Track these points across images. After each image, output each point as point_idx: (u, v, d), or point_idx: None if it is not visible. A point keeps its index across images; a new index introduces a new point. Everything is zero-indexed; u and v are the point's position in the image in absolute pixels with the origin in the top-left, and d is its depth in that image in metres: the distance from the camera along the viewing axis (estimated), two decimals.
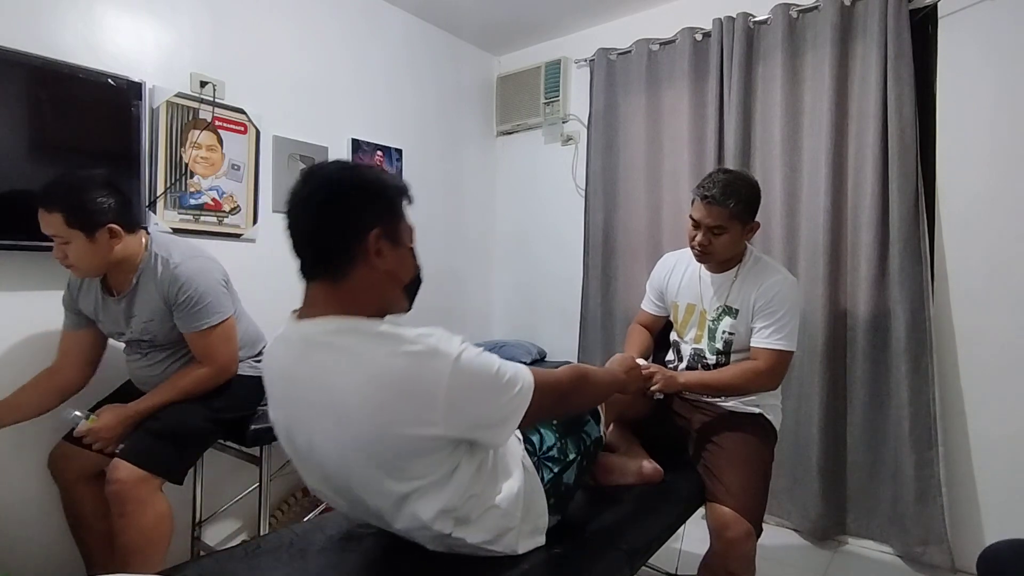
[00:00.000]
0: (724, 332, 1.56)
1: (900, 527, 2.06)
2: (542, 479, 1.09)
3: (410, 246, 0.97)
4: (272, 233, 2.26)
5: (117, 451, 1.47)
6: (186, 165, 1.98)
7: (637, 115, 2.74)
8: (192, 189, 2.00)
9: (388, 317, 0.95)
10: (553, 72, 3.03)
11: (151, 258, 1.51)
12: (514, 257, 3.20)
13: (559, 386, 1.01)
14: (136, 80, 1.80)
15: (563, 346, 2.96)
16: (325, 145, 2.46)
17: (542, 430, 1.17)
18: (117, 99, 1.76)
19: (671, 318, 1.74)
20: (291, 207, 0.90)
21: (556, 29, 3.02)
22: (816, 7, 2.26)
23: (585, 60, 2.91)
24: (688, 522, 1.46)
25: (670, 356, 1.78)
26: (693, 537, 1.71)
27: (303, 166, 2.36)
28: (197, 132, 2.01)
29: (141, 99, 1.82)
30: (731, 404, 1.58)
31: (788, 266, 2.28)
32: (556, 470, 1.12)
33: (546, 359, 2.96)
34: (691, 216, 1.52)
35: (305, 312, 0.92)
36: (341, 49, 2.52)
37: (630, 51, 2.75)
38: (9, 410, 1.51)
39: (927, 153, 2.08)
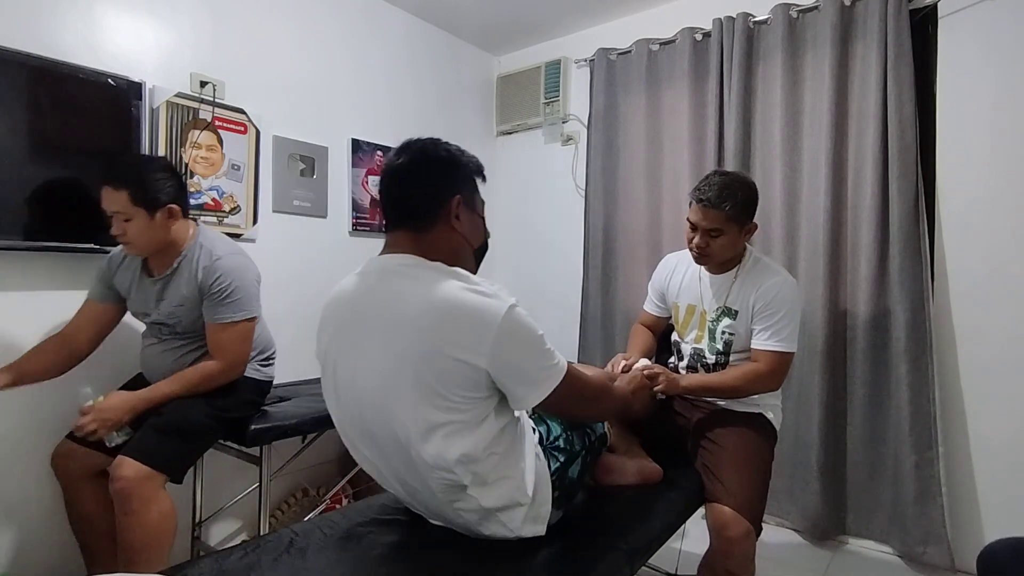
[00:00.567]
0: (724, 332, 1.56)
1: (900, 527, 2.06)
2: (549, 468, 1.11)
3: (482, 215, 1.12)
4: (272, 233, 2.27)
5: (109, 443, 1.47)
6: (186, 165, 1.98)
7: (637, 115, 2.74)
8: (192, 189, 2.00)
9: None
10: (553, 72, 3.03)
11: (196, 247, 1.58)
12: (514, 257, 3.20)
13: (587, 387, 1.08)
14: (136, 80, 1.80)
15: (563, 346, 2.92)
16: (325, 145, 2.46)
17: (549, 422, 1.19)
18: (117, 99, 1.76)
19: (672, 319, 1.74)
20: (388, 171, 1.05)
21: (556, 29, 3.02)
22: (816, 7, 2.26)
23: (585, 60, 2.91)
24: (688, 522, 1.46)
25: (671, 357, 1.78)
26: (693, 537, 1.71)
27: (303, 166, 2.38)
28: (197, 132, 2.01)
29: (141, 99, 1.82)
30: (731, 403, 1.58)
31: (788, 266, 2.28)
32: (563, 460, 1.15)
33: None
34: (688, 219, 1.52)
35: (386, 251, 1.05)
36: (341, 49, 2.52)
37: (630, 51, 2.75)
38: (19, 373, 1.51)
39: (927, 153, 2.08)
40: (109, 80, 1.74)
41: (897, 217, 2.05)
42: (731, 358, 1.57)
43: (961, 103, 2.03)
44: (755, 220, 1.54)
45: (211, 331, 1.58)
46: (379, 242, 2.90)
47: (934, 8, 2.06)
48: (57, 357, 1.57)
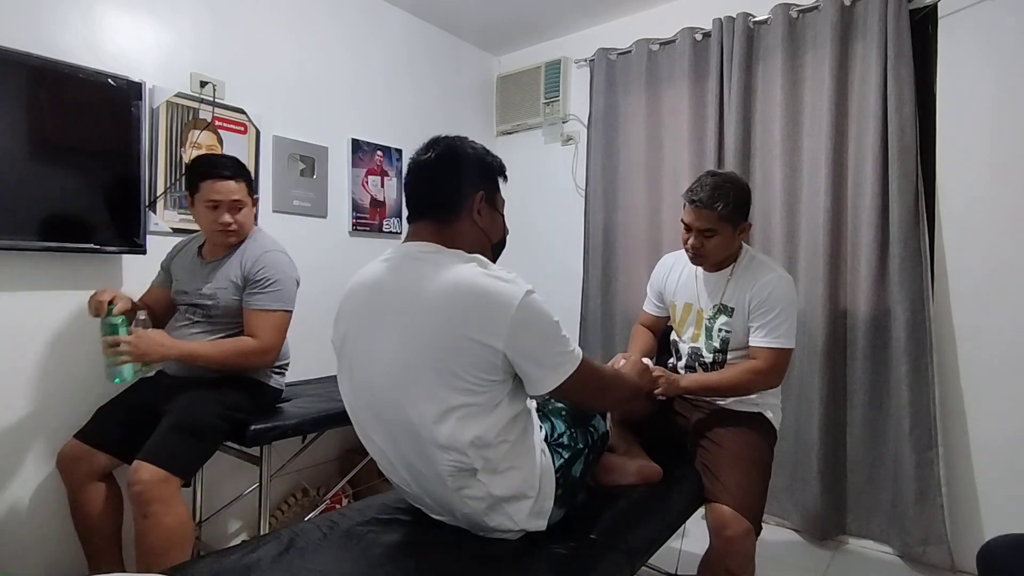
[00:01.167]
0: (720, 330, 1.57)
1: (900, 527, 2.06)
2: (553, 464, 1.12)
3: (502, 213, 1.18)
4: (272, 233, 2.25)
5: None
6: (186, 165, 1.98)
7: (637, 115, 2.74)
8: None
9: None
10: (553, 72, 3.03)
11: (250, 240, 1.73)
12: (514, 257, 3.16)
13: (603, 376, 1.13)
14: (136, 80, 1.80)
15: None
16: (325, 145, 2.46)
17: (553, 419, 1.20)
18: (117, 99, 1.76)
19: (670, 317, 1.74)
20: (415, 164, 1.10)
21: (556, 29, 3.02)
22: (816, 7, 2.26)
23: (585, 60, 2.91)
24: (688, 522, 1.46)
25: (670, 358, 1.78)
26: (693, 537, 1.71)
27: (303, 166, 2.38)
28: (197, 132, 2.01)
29: (141, 99, 1.81)
30: (731, 403, 1.58)
31: (788, 266, 2.28)
32: (566, 457, 1.16)
33: None
34: (682, 220, 1.54)
35: (409, 239, 1.09)
36: (341, 49, 2.52)
37: (630, 51, 2.75)
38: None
39: (927, 153, 2.08)
40: (109, 80, 1.74)
41: (897, 217, 2.05)
42: (728, 356, 1.57)
43: (961, 103, 2.03)
44: (751, 220, 1.54)
45: (249, 316, 1.65)
46: (379, 242, 2.93)
47: (934, 8, 2.06)
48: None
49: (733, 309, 1.55)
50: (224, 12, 2.11)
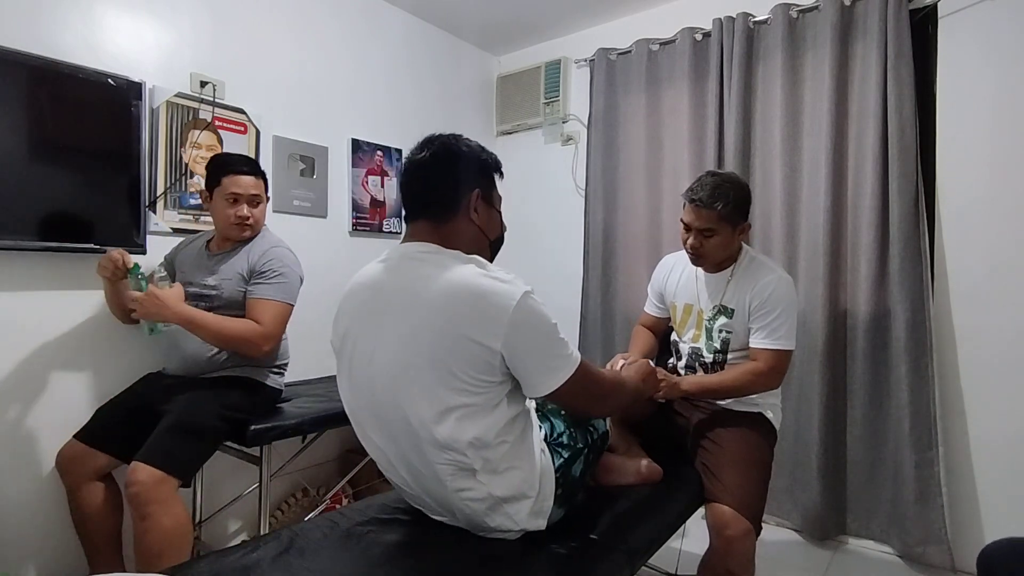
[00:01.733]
0: (721, 331, 1.57)
1: (900, 527, 2.06)
2: (553, 464, 1.12)
3: (499, 210, 1.17)
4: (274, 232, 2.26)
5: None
6: (186, 165, 1.98)
7: (637, 115, 2.74)
8: (192, 189, 2.00)
9: None
10: (553, 72, 3.03)
11: (261, 238, 1.78)
12: (514, 257, 3.17)
13: (602, 382, 1.11)
14: (136, 80, 1.80)
15: None
16: (325, 145, 2.46)
17: (552, 419, 1.20)
18: (117, 99, 1.76)
19: (671, 318, 1.74)
20: (411, 164, 1.10)
21: (556, 29, 3.02)
22: (816, 7, 2.26)
23: (585, 60, 2.91)
24: (688, 522, 1.46)
25: (670, 358, 1.78)
26: (693, 537, 1.71)
27: (303, 166, 2.38)
28: (197, 132, 2.01)
29: (141, 99, 1.81)
30: (731, 403, 1.58)
31: (788, 266, 2.28)
32: (566, 456, 1.15)
33: None
34: (682, 220, 1.54)
35: (407, 240, 1.09)
36: (341, 49, 2.52)
37: (630, 51, 2.75)
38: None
39: (927, 153, 2.08)
40: (109, 80, 1.74)
41: (897, 217, 2.05)
42: (729, 356, 1.57)
43: (961, 103, 2.03)
44: (751, 220, 1.55)
45: (252, 304, 1.67)
46: (379, 242, 2.93)
47: (934, 8, 2.06)
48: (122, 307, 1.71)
49: (733, 310, 1.55)
50: (224, 12, 2.11)
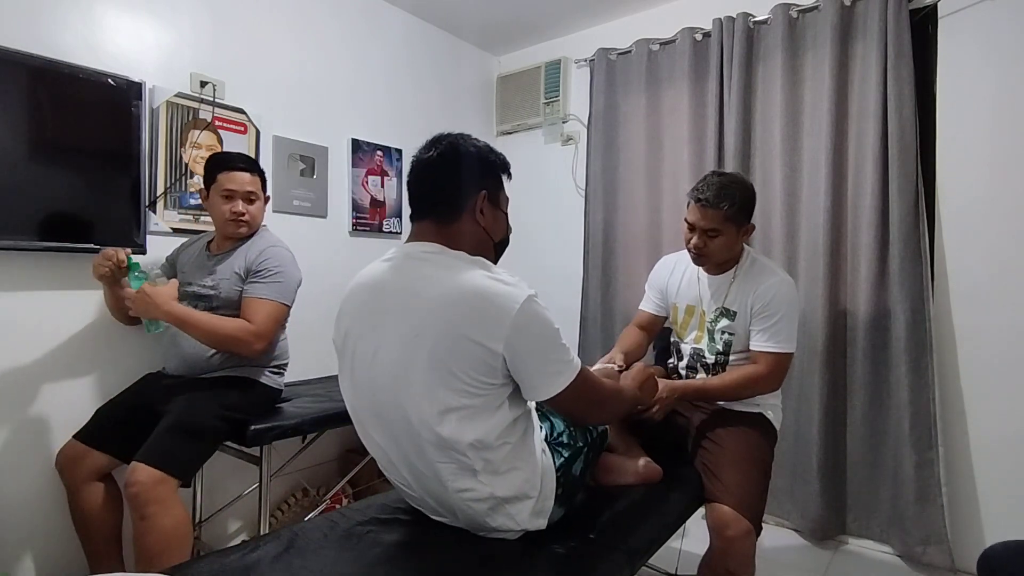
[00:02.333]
0: (723, 333, 1.57)
1: (900, 527, 2.06)
2: (554, 463, 1.12)
3: (505, 211, 1.16)
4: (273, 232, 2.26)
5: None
6: (186, 165, 1.98)
7: (637, 115, 2.74)
8: (192, 189, 2.00)
9: None
10: (553, 72, 3.03)
11: (259, 238, 1.78)
12: (514, 257, 3.16)
13: (601, 390, 1.11)
14: (136, 80, 1.80)
15: None
16: (325, 145, 2.46)
17: (552, 418, 1.20)
18: (117, 99, 1.76)
19: (671, 319, 1.74)
20: (418, 163, 1.09)
21: (556, 29, 3.02)
22: (816, 7, 2.26)
23: (585, 60, 2.91)
24: (688, 522, 1.46)
25: (670, 358, 1.78)
26: (693, 537, 1.71)
27: (303, 166, 2.38)
28: (197, 132, 2.01)
29: (141, 99, 1.81)
30: (731, 403, 1.58)
31: (788, 266, 2.28)
32: (566, 456, 1.15)
33: None
34: (686, 219, 1.53)
35: (411, 240, 1.09)
36: (341, 49, 2.52)
37: (630, 51, 2.75)
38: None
39: (927, 153, 2.08)
40: (109, 80, 1.74)
41: (897, 217, 2.05)
42: (731, 358, 1.57)
43: (961, 103, 2.03)
44: (753, 221, 1.54)
45: (246, 304, 1.66)
46: (379, 242, 2.93)
47: (934, 8, 2.06)
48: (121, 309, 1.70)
49: (736, 312, 1.54)
50: (224, 12, 2.11)
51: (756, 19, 2.39)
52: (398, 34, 2.78)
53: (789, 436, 2.26)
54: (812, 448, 2.19)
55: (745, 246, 1.60)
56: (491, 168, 1.12)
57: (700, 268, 1.63)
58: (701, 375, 1.62)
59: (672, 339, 1.76)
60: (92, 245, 1.71)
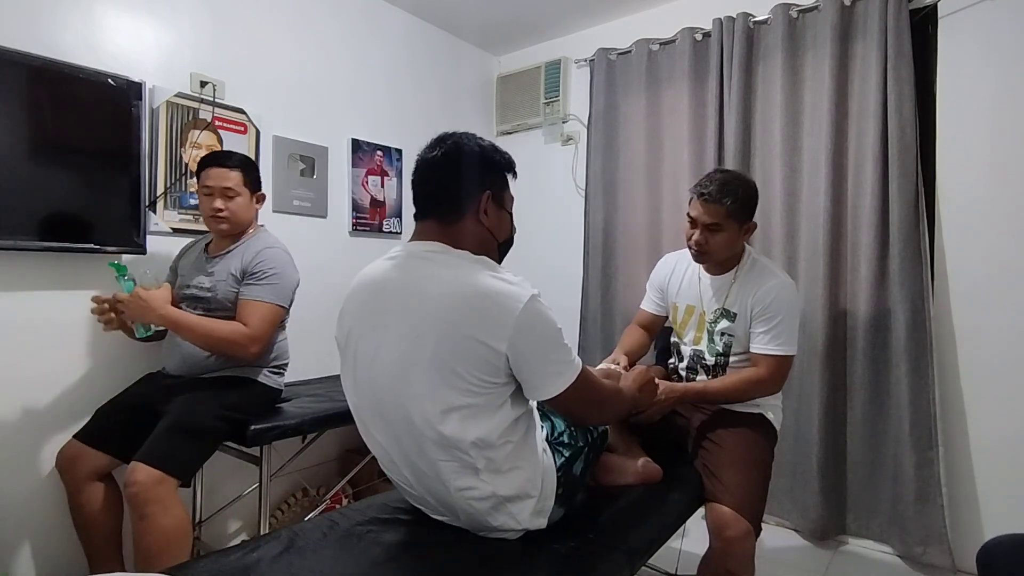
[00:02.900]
0: (723, 334, 1.57)
1: (900, 527, 2.06)
2: (555, 462, 1.12)
3: (510, 211, 1.15)
4: (272, 232, 2.26)
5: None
6: (186, 165, 1.98)
7: (637, 115, 2.74)
8: (192, 189, 2.00)
9: None
10: (553, 72, 3.03)
11: (254, 238, 1.77)
12: (514, 257, 3.16)
13: (601, 390, 1.11)
14: (136, 80, 1.80)
15: None
16: (325, 145, 2.46)
17: (553, 418, 1.20)
18: (117, 99, 1.76)
19: (670, 319, 1.74)
20: (422, 162, 1.08)
21: (556, 29, 3.02)
22: (816, 7, 2.26)
23: (585, 60, 2.91)
24: (688, 522, 1.46)
25: (671, 359, 1.78)
26: (693, 537, 1.71)
27: (303, 166, 2.38)
28: (197, 132, 2.01)
29: (141, 99, 1.81)
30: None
31: (788, 266, 2.28)
32: (567, 455, 1.16)
33: None
34: (688, 215, 1.53)
35: (415, 239, 1.08)
36: (341, 49, 2.52)
37: (630, 51, 2.75)
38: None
39: (927, 153, 2.08)
40: (109, 80, 1.74)
41: (897, 217, 2.05)
42: (731, 359, 1.57)
43: (961, 103, 2.03)
44: (755, 220, 1.54)
45: (241, 306, 1.66)
46: (379, 242, 2.93)
47: (934, 8, 2.06)
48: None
49: (736, 314, 1.54)
50: (224, 12, 2.11)
51: (756, 19, 2.39)
52: (398, 34, 2.78)
53: (789, 436, 2.26)
54: (812, 448, 2.19)
55: (746, 246, 1.60)
56: (496, 168, 1.11)
57: (701, 268, 1.63)
58: (701, 376, 1.62)
59: (672, 339, 1.76)
60: (92, 245, 1.72)
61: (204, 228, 2.04)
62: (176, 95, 1.95)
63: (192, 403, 1.55)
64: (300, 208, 2.39)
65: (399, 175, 2.80)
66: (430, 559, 1.03)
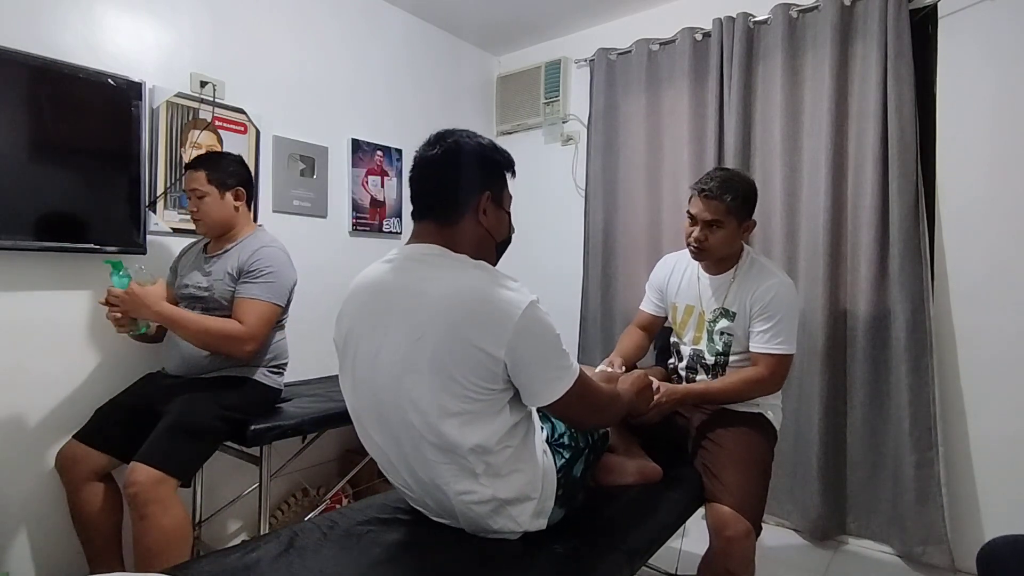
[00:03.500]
0: (722, 334, 1.57)
1: (900, 527, 2.06)
2: (555, 464, 1.12)
3: (508, 211, 1.14)
4: (272, 233, 2.26)
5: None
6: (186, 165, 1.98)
7: (637, 115, 2.74)
8: None
9: None
10: (553, 72, 3.03)
11: (252, 238, 1.75)
12: (514, 257, 3.16)
13: (599, 395, 1.10)
14: (136, 80, 1.80)
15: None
16: (325, 145, 2.46)
17: (553, 420, 1.20)
18: (117, 99, 1.76)
19: (669, 319, 1.74)
20: (420, 161, 1.07)
21: (556, 29, 3.02)
22: (816, 7, 2.26)
23: (585, 60, 2.91)
24: (688, 522, 1.46)
25: (671, 359, 1.78)
26: (693, 537, 1.71)
27: (303, 166, 2.38)
28: (197, 132, 2.01)
29: (141, 99, 1.81)
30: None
31: (788, 266, 2.28)
32: (567, 456, 1.15)
33: None
34: (688, 211, 1.53)
35: (412, 241, 1.08)
36: (341, 49, 2.52)
37: (630, 51, 2.75)
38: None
39: (927, 153, 2.08)
40: (109, 80, 1.74)
41: (897, 217, 2.05)
42: (731, 359, 1.57)
43: (961, 103, 2.03)
44: (754, 219, 1.54)
45: (237, 304, 1.65)
46: (379, 242, 2.92)
47: (934, 8, 2.06)
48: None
49: (735, 313, 1.54)
50: (224, 12, 2.11)
51: (756, 19, 2.39)
52: (398, 34, 2.78)
53: (789, 436, 2.26)
54: (812, 448, 2.19)
55: (745, 246, 1.60)
56: (495, 167, 1.10)
57: (700, 268, 1.63)
58: (701, 376, 1.62)
59: (672, 339, 1.76)
60: (92, 245, 1.72)
61: None
62: (176, 95, 1.95)
63: (192, 403, 1.55)
64: (300, 208, 2.39)
65: (399, 175, 2.80)
66: (430, 559, 1.03)
